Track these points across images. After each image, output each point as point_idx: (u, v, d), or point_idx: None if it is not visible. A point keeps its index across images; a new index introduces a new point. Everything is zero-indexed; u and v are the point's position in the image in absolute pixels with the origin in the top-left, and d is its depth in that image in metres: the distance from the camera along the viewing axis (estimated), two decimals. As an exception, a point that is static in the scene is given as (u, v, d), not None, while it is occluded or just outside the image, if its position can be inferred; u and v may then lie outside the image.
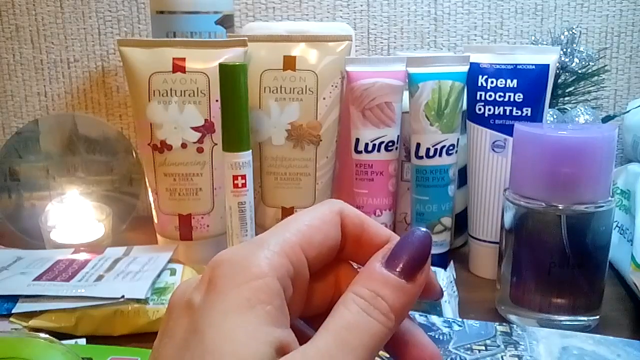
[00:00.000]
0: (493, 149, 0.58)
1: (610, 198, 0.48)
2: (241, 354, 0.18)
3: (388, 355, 0.24)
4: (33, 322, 0.48)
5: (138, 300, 0.49)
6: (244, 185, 0.53)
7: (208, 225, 0.61)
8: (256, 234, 0.56)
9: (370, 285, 0.21)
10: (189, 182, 0.60)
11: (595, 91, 0.72)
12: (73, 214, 0.67)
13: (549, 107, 0.60)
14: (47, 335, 0.38)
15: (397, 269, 0.22)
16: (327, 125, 0.60)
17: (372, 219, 0.25)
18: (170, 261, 0.56)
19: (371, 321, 0.20)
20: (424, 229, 0.22)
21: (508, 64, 0.57)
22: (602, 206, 0.47)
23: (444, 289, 0.52)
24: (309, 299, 0.23)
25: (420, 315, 0.46)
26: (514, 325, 0.47)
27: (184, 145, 0.59)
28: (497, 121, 0.58)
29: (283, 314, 0.20)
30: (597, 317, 0.50)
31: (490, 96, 0.58)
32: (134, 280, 0.52)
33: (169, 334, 0.20)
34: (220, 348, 0.18)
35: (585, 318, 0.49)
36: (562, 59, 0.68)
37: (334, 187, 0.64)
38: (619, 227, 0.59)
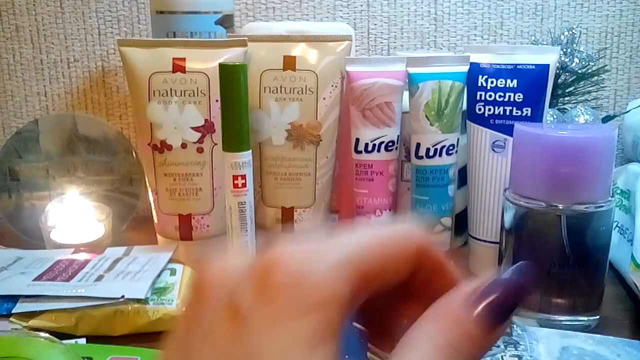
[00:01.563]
0: (493, 149, 0.58)
1: (610, 198, 0.48)
2: None
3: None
4: (33, 322, 0.48)
5: (138, 300, 0.49)
6: (244, 185, 0.53)
7: (208, 225, 0.61)
8: (256, 234, 0.56)
9: (450, 334, 0.18)
10: (189, 182, 0.60)
11: (595, 91, 0.72)
12: (73, 214, 0.67)
13: (549, 107, 0.60)
14: (47, 335, 0.38)
15: (485, 315, 0.19)
16: (327, 125, 0.60)
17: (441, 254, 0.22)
18: (170, 261, 0.56)
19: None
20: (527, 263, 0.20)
21: (508, 64, 0.57)
22: (602, 206, 0.47)
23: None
24: None
25: (421, 315, 0.46)
26: (514, 325, 0.47)
27: (184, 145, 0.59)
28: (497, 121, 0.58)
29: (336, 355, 0.18)
30: (597, 317, 0.50)
31: (490, 96, 0.58)
32: (134, 280, 0.52)
33: (204, 330, 0.18)
34: None
35: (585, 318, 0.49)
36: (562, 59, 0.68)
37: (334, 187, 0.64)
38: (619, 227, 0.59)
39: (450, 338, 0.18)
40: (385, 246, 0.20)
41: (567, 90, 0.70)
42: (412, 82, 0.58)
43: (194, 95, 0.59)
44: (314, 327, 0.17)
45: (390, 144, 0.59)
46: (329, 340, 0.17)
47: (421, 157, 0.58)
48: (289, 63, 0.60)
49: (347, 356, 0.20)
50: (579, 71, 0.69)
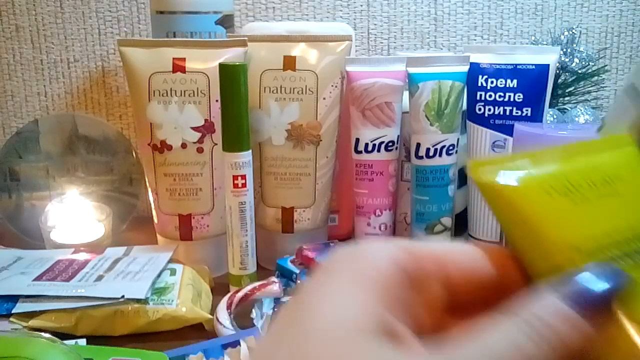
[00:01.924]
0: (493, 149, 0.58)
1: (610, 198, 0.48)
2: (342, 316, 0.17)
3: None
4: (33, 322, 0.48)
5: (138, 300, 0.49)
6: (244, 185, 0.53)
7: (208, 225, 0.61)
8: (256, 234, 0.56)
9: (539, 314, 0.18)
10: (189, 182, 0.60)
11: (595, 91, 0.72)
12: (73, 214, 0.67)
13: (549, 107, 0.60)
14: (48, 335, 0.38)
15: (583, 310, 0.18)
16: (327, 125, 0.60)
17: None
18: (170, 261, 0.56)
19: (530, 346, 0.17)
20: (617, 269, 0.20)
21: (508, 64, 0.57)
22: (602, 206, 0.47)
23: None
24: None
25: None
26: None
27: (184, 145, 0.59)
28: (497, 121, 0.58)
29: (398, 303, 0.18)
30: (597, 317, 0.50)
31: (490, 96, 0.58)
32: (134, 281, 0.52)
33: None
34: (320, 308, 0.17)
35: (585, 318, 0.49)
36: (562, 59, 0.68)
37: (334, 187, 0.64)
38: (619, 227, 0.59)
39: (542, 316, 0.18)
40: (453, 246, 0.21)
41: (567, 90, 0.70)
42: (412, 82, 0.58)
43: (194, 95, 0.59)
44: (361, 272, 0.18)
45: (390, 144, 0.59)
46: (381, 282, 0.18)
47: (421, 157, 0.58)
48: (289, 63, 0.60)
49: None
50: (579, 71, 0.69)
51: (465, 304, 0.21)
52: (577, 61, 0.68)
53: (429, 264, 0.20)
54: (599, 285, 0.19)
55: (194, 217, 0.61)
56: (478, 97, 0.58)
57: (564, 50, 0.68)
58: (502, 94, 0.57)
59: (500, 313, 0.18)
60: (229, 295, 0.51)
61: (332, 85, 0.60)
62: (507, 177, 0.21)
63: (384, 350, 0.17)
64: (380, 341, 0.17)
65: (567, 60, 0.68)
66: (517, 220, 0.21)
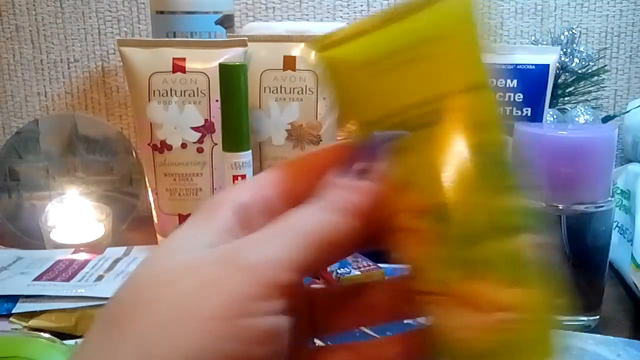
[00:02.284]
0: (493, 149, 0.58)
1: (610, 198, 0.48)
2: (178, 244, 0.21)
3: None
4: (33, 322, 0.48)
5: (138, 300, 0.49)
6: (244, 185, 0.53)
7: (208, 225, 0.61)
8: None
9: (330, 187, 0.21)
10: (189, 182, 0.60)
11: (595, 91, 0.72)
12: (73, 214, 0.67)
13: (549, 107, 0.60)
14: (48, 335, 0.38)
15: (349, 173, 0.22)
16: (327, 125, 0.60)
17: None
18: (170, 261, 0.56)
19: (318, 214, 0.21)
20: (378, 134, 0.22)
21: (508, 64, 0.57)
22: (602, 206, 0.47)
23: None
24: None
25: (421, 315, 0.46)
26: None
27: (184, 145, 0.59)
28: (497, 121, 0.58)
29: (239, 233, 0.21)
30: (597, 317, 0.50)
31: (490, 96, 0.58)
32: (134, 280, 0.52)
33: None
34: (164, 242, 0.21)
35: (585, 318, 0.49)
36: (562, 59, 0.68)
37: (334, 187, 0.64)
38: (619, 227, 0.59)
39: (322, 194, 0.21)
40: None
41: (567, 90, 0.70)
42: (412, 82, 0.58)
43: (194, 95, 0.59)
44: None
45: (390, 144, 0.59)
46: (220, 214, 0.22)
47: (421, 157, 0.58)
48: (289, 63, 0.60)
49: None
50: (579, 71, 0.69)
51: None
52: (577, 61, 0.68)
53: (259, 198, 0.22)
54: (377, 146, 0.21)
55: (194, 217, 0.60)
56: (478, 97, 0.58)
57: (564, 50, 0.68)
58: (502, 94, 0.57)
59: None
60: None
61: (332, 85, 0.60)
62: (329, 49, 0.22)
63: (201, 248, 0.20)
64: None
65: (567, 60, 0.68)
66: (331, 90, 0.23)
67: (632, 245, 0.53)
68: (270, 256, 0.19)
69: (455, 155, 0.21)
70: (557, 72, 0.67)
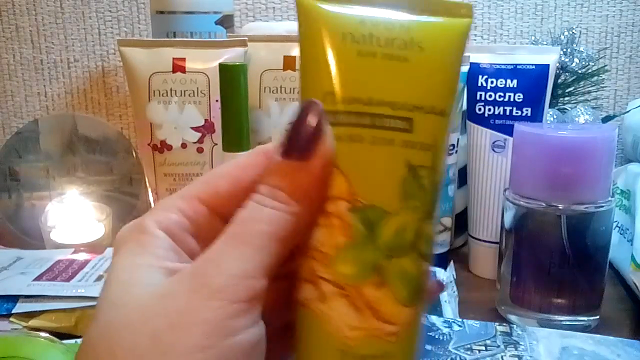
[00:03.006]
0: (493, 149, 0.58)
1: (610, 198, 0.48)
2: (133, 277, 0.20)
3: None
4: (33, 322, 0.48)
5: (138, 300, 0.49)
6: (244, 185, 0.53)
7: (208, 225, 0.61)
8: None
9: (269, 180, 0.21)
10: (189, 182, 0.60)
11: (595, 91, 0.72)
12: (73, 214, 0.67)
13: (549, 107, 0.60)
14: (47, 335, 0.38)
15: (293, 152, 0.21)
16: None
17: None
18: (170, 261, 0.56)
19: (265, 210, 0.20)
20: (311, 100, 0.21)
21: (508, 64, 0.57)
22: (602, 206, 0.47)
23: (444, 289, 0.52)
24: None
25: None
26: (514, 325, 0.47)
27: (184, 145, 0.59)
28: (497, 121, 0.58)
29: (175, 254, 0.21)
30: (597, 317, 0.50)
31: (490, 96, 0.58)
32: (134, 280, 0.52)
33: None
34: (115, 277, 0.20)
35: (585, 318, 0.49)
36: (562, 59, 0.68)
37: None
38: (619, 227, 0.59)
39: (270, 181, 0.21)
40: (224, 167, 0.23)
41: (567, 90, 0.70)
42: (412, 82, 0.58)
43: (194, 95, 0.59)
44: (136, 245, 0.21)
45: (390, 144, 0.59)
46: (154, 246, 0.21)
47: (421, 157, 0.58)
48: (289, 63, 0.60)
49: None
50: (579, 71, 0.69)
51: None
52: (577, 61, 0.68)
53: (201, 209, 0.22)
54: (309, 128, 0.21)
55: (194, 217, 0.60)
56: (478, 97, 0.58)
57: (564, 50, 0.68)
58: (502, 94, 0.57)
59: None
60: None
61: (332, 85, 0.60)
62: (316, 9, 0.22)
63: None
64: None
65: (567, 60, 0.68)
66: (300, 49, 0.23)
67: (632, 245, 0.53)
68: (236, 272, 0.19)
69: (399, 169, 0.21)
70: (557, 72, 0.67)
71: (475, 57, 0.58)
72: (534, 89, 0.57)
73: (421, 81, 0.22)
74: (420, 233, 0.22)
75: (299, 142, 0.21)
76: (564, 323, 0.49)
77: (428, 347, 0.43)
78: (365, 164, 0.21)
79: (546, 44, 0.71)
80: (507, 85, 0.57)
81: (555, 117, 0.65)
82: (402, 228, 0.21)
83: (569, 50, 0.68)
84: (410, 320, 0.22)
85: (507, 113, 0.57)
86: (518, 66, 0.57)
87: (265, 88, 0.60)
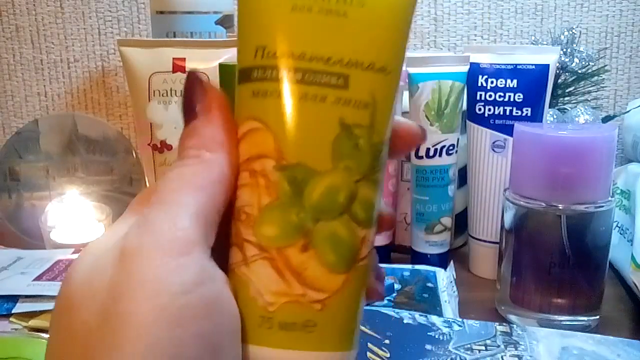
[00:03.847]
0: (493, 149, 0.58)
1: (610, 198, 0.48)
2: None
3: (388, 355, 0.24)
4: (33, 322, 0.48)
5: (138, 300, 0.49)
6: (244, 185, 0.53)
7: (208, 225, 0.61)
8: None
9: (179, 148, 0.22)
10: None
11: (595, 91, 0.72)
12: (73, 214, 0.67)
13: (549, 107, 0.60)
14: (48, 336, 0.38)
15: (185, 115, 0.22)
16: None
17: None
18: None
19: (183, 166, 0.21)
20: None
21: (508, 64, 0.57)
22: (602, 206, 0.47)
23: (444, 290, 0.52)
24: None
25: (420, 315, 0.46)
26: (514, 325, 0.47)
27: (184, 145, 0.59)
28: (497, 121, 0.58)
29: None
30: (597, 317, 0.50)
31: (490, 96, 0.58)
32: (134, 280, 0.52)
33: None
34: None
35: (585, 318, 0.49)
36: (562, 59, 0.68)
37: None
38: (619, 227, 0.59)
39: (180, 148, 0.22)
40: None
41: (567, 90, 0.70)
42: (412, 82, 0.58)
43: (194, 95, 0.59)
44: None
45: (390, 144, 0.59)
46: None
47: (421, 157, 0.58)
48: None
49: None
50: (579, 71, 0.69)
51: None
52: (577, 61, 0.68)
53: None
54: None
55: (194, 217, 0.61)
56: (478, 97, 0.58)
57: (564, 50, 0.68)
58: (502, 94, 0.57)
59: None
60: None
61: (332, 85, 0.60)
62: None
63: None
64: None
65: (567, 60, 0.68)
66: (237, 3, 0.22)
67: (632, 245, 0.53)
68: (166, 229, 0.19)
69: (331, 127, 0.20)
70: (557, 72, 0.67)
71: (475, 57, 0.58)
72: (534, 89, 0.57)
73: (360, 37, 0.21)
74: (354, 195, 0.21)
75: (186, 106, 0.22)
76: (564, 323, 0.49)
77: (428, 347, 0.43)
78: (294, 120, 0.20)
79: (546, 44, 0.71)
80: (507, 85, 0.57)
81: (555, 117, 0.65)
82: (333, 189, 0.20)
83: (569, 50, 0.68)
84: (341, 289, 0.20)
85: (507, 113, 0.57)
86: (518, 66, 0.57)
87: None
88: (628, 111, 0.72)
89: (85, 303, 0.19)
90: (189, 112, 0.22)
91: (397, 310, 0.47)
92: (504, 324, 0.47)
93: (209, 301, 0.19)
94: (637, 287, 0.50)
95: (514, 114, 0.57)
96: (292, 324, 0.20)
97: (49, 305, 0.49)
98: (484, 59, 0.58)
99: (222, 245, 0.21)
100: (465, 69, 0.58)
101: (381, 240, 0.60)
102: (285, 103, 0.20)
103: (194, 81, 0.22)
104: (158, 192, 0.20)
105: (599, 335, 0.45)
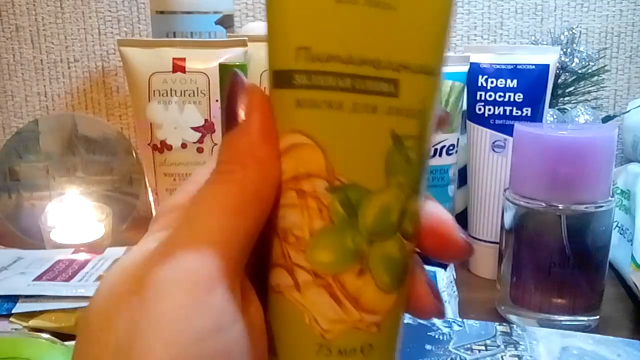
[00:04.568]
0: (493, 149, 0.58)
1: (610, 198, 0.48)
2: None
3: None
4: (33, 322, 0.48)
5: (138, 300, 0.49)
6: (244, 185, 0.53)
7: (208, 225, 0.61)
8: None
9: (216, 160, 0.20)
10: (189, 182, 0.60)
11: (595, 91, 0.72)
12: (73, 214, 0.67)
13: (549, 107, 0.60)
14: (48, 336, 0.38)
15: (226, 124, 0.20)
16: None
17: None
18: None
19: (215, 183, 0.19)
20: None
21: (508, 64, 0.57)
22: (602, 206, 0.47)
23: (443, 290, 0.52)
24: None
25: (421, 315, 0.46)
26: (514, 325, 0.47)
27: (184, 145, 0.59)
28: (497, 121, 0.58)
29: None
30: (597, 317, 0.50)
31: (490, 96, 0.58)
32: (134, 280, 0.52)
33: None
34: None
35: (585, 318, 0.49)
36: (562, 59, 0.68)
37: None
38: (619, 227, 0.59)
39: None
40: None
41: (567, 90, 0.70)
42: (412, 82, 0.58)
43: (194, 95, 0.59)
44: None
45: (390, 144, 0.59)
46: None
47: (421, 157, 0.58)
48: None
49: None
50: (579, 71, 0.69)
51: None
52: (577, 61, 0.68)
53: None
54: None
55: (194, 217, 0.61)
56: (478, 97, 0.58)
57: (564, 50, 0.68)
58: (502, 94, 0.57)
59: None
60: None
61: (332, 85, 0.60)
62: None
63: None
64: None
65: (567, 60, 0.68)
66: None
67: (632, 245, 0.53)
68: (189, 260, 0.17)
69: (383, 140, 0.19)
70: (557, 72, 0.67)
71: (475, 57, 0.58)
72: (534, 89, 0.57)
73: (410, 34, 0.18)
74: (406, 212, 0.19)
75: (227, 114, 0.20)
76: (564, 323, 0.49)
77: (428, 347, 0.43)
78: (346, 136, 0.18)
79: (546, 44, 0.71)
80: (507, 85, 0.57)
81: (555, 117, 0.65)
82: (386, 209, 0.19)
83: (569, 50, 0.68)
84: (393, 308, 0.20)
85: (507, 113, 0.57)
86: (518, 66, 0.57)
87: (265, 88, 0.60)
88: (628, 111, 0.72)
89: (101, 337, 0.17)
90: (229, 120, 0.20)
91: (397, 310, 0.47)
92: (504, 324, 0.47)
93: (230, 348, 0.17)
94: (637, 287, 0.50)
95: (514, 114, 0.57)
96: (351, 350, 0.19)
97: (49, 305, 0.49)
98: (484, 59, 0.58)
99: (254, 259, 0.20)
100: (465, 69, 0.58)
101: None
102: (335, 116, 0.18)
103: (236, 84, 0.20)
104: (187, 212, 0.19)
105: (599, 335, 0.45)
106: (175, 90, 0.58)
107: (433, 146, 0.58)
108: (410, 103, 0.19)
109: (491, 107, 0.58)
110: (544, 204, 0.48)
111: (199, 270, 0.17)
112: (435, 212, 0.21)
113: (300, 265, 0.19)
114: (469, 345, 0.43)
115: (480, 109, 0.59)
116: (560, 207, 0.47)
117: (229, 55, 0.59)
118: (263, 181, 0.19)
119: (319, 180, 0.19)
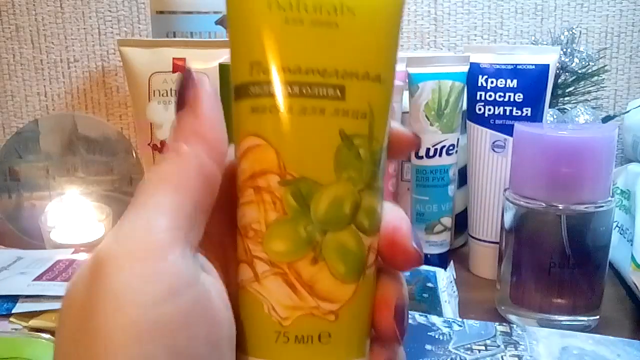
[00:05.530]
0: (493, 149, 0.58)
1: (610, 198, 0.48)
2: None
3: None
4: (33, 322, 0.48)
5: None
6: (244, 185, 0.53)
7: (208, 225, 0.61)
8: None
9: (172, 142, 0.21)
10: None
11: (595, 91, 0.72)
12: (73, 214, 0.67)
13: (549, 107, 0.60)
14: (48, 336, 0.38)
15: (177, 107, 0.22)
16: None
17: None
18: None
19: (162, 162, 0.20)
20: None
21: (508, 64, 0.57)
22: (602, 206, 0.47)
23: (444, 289, 0.52)
24: None
25: (420, 315, 0.47)
26: (514, 325, 0.47)
27: (184, 145, 0.59)
28: (497, 121, 0.58)
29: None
30: (597, 317, 0.50)
31: (490, 96, 0.58)
32: (134, 280, 0.52)
33: None
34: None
35: (585, 318, 0.49)
36: (562, 59, 0.68)
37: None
38: (619, 227, 0.59)
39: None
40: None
41: (567, 90, 0.70)
42: (412, 82, 0.58)
43: (194, 95, 0.59)
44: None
45: (390, 144, 0.59)
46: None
47: (421, 157, 0.58)
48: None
49: None
50: (579, 71, 0.69)
51: None
52: (577, 61, 0.68)
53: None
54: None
55: (194, 217, 0.60)
56: (478, 97, 0.58)
57: (564, 50, 0.68)
58: (502, 94, 0.57)
59: None
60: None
61: (332, 85, 0.60)
62: None
63: None
64: None
65: (567, 60, 0.68)
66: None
67: (632, 245, 0.53)
68: (142, 232, 0.18)
69: (332, 139, 0.21)
70: (557, 72, 0.67)
71: (475, 57, 0.58)
72: (534, 89, 0.57)
73: (353, 46, 0.21)
74: (359, 205, 0.21)
75: (177, 100, 0.22)
76: (564, 323, 0.49)
77: (428, 347, 0.43)
78: (295, 135, 0.20)
79: (546, 44, 0.71)
80: (507, 85, 0.57)
81: (555, 117, 0.65)
82: (338, 200, 0.20)
83: (569, 50, 0.68)
84: (352, 298, 0.21)
85: (507, 113, 0.57)
86: (518, 66, 0.57)
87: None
88: (628, 111, 0.72)
89: (66, 321, 0.18)
90: (178, 104, 0.22)
91: (397, 310, 0.47)
92: (504, 324, 0.47)
93: (187, 311, 0.18)
94: (637, 287, 0.50)
95: (514, 114, 0.57)
96: (307, 336, 0.20)
97: (48, 306, 0.49)
98: (484, 59, 0.58)
99: (226, 258, 0.21)
100: (465, 69, 0.58)
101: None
102: (284, 118, 0.20)
103: (185, 76, 0.22)
104: (138, 189, 0.20)
105: (598, 335, 0.45)
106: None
107: (433, 146, 0.58)
108: (357, 106, 0.21)
109: (491, 107, 0.58)
110: (544, 204, 0.48)
111: (149, 241, 0.18)
112: (392, 218, 0.22)
113: (259, 257, 0.20)
114: (469, 345, 0.43)
115: (480, 109, 0.59)
116: (560, 207, 0.47)
117: (229, 55, 0.59)
118: (206, 155, 0.21)
119: (272, 175, 0.20)
